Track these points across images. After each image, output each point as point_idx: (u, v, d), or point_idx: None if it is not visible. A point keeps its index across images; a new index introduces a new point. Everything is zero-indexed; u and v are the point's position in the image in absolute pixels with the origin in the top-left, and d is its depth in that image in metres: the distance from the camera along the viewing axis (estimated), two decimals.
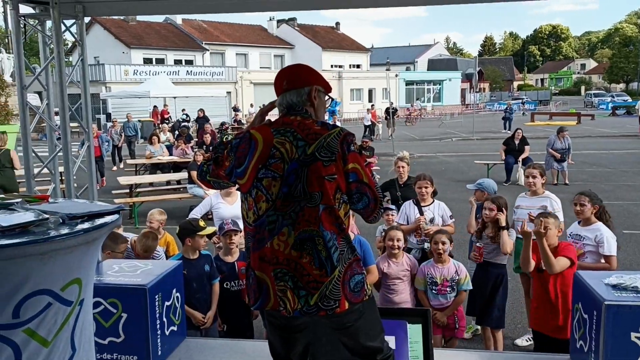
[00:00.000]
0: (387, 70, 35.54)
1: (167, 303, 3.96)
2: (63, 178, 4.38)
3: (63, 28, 4.09)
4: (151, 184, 13.27)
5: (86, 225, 2.23)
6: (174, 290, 4.09)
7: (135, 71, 34.50)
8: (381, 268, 4.53)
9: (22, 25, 4.02)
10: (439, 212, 5.29)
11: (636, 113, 27.67)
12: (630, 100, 44.20)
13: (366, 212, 2.54)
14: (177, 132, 18.57)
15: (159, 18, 44.21)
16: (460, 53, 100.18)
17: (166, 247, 5.44)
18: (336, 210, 2.45)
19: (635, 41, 68.62)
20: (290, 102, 2.58)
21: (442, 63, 61.53)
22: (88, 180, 4.41)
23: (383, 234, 4.89)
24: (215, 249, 5.75)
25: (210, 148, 13.92)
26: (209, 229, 4.67)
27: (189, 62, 40.53)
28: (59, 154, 4.27)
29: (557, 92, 74.95)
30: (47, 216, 2.20)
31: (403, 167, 6.33)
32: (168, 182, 13.44)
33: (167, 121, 26.04)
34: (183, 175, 12.35)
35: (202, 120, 24.08)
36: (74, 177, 4.27)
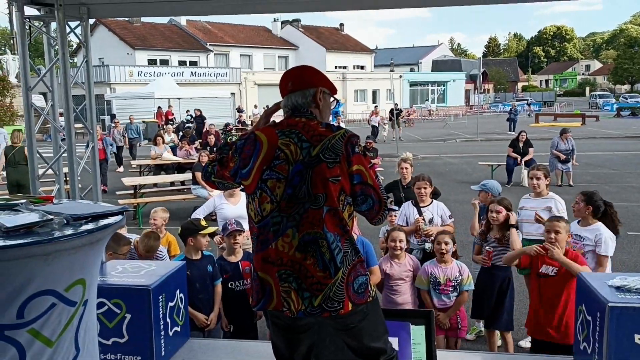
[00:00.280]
0: (391, 71, 35.46)
1: (170, 304, 3.97)
2: (67, 179, 4.40)
3: (68, 29, 4.10)
4: (155, 185, 13.29)
5: (90, 226, 2.24)
6: (178, 291, 4.10)
7: (140, 72, 34.60)
8: (383, 269, 4.53)
9: (27, 27, 4.04)
10: (438, 212, 5.28)
11: None
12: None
13: (370, 214, 2.54)
14: (181, 133, 18.58)
15: (163, 19, 44.29)
16: (465, 54, 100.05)
17: (167, 247, 5.46)
18: (340, 212, 2.45)
19: None
20: (295, 104, 2.58)
21: (446, 64, 61.46)
22: (92, 181, 4.42)
23: (386, 234, 4.90)
24: (219, 249, 5.77)
25: (215, 149, 13.96)
26: (211, 229, 4.68)
27: (193, 63, 40.62)
28: (63, 155, 4.28)
29: (561, 93, 74.76)
30: (51, 217, 2.22)
31: (406, 168, 6.33)
32: (172, 183, 13.48)
33: (171, 122, 26.12)
34: (187, 176, 12.38)
35: (199, 119, 24.10)
36: (79, 178, 4.29)
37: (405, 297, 4.50)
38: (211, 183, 2.78)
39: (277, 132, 2.50)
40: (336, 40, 52.20)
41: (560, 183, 13.20)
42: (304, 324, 2.56)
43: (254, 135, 2.55)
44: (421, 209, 5.24)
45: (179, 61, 39.98)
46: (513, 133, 17.26)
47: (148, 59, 38.26)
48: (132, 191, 11.46)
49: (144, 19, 40.40)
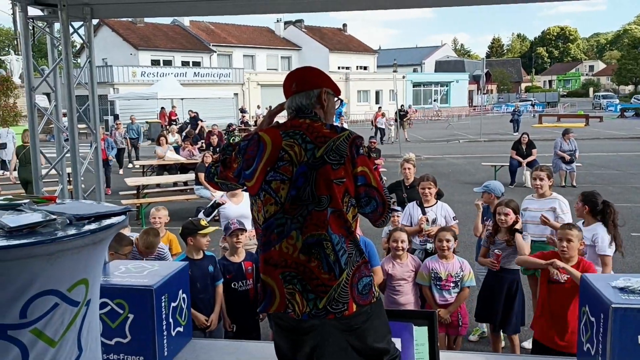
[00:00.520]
0: (394, 71, 35.44)
1: (173, 304, 3.97)
2: (71, 179, 4.41)
3: (71, 30, 4.11)
4: (158, 185, 13.31)
5: (93, 226, 2.24)
6: (180, 291, 4.10)
7: (143, 73, 34.66)
8: (386, 269, 4.53)
9: (30, 28, 4.05)
10: (442, 213, 5.28)
11: None
12: None
13: (374, 216, 2.52)
14: (184, 134, 18.59)
15: (166, 20, 44.40)
16: (468, 54, 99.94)
17: (169, 246, 5.46)
18: (344, 214, 2.44)
19: None
20: (299, 105, 2.57)
21: (449, 64, 61.40)
22: (95, 182, 4.43)
23: (388, 235, 4.90)
24: (222, 250, 5.78)
25: (218, 149, 13.98)
26: (210, 228, 4.69)
27: (197, 64, 40.68)
28: (66, 155, 4.29)
29: (565, 93, 74.59)
30: (54, 217, 2.22)
31: (409, 168, 6.33)
32: (175, 184, 13.49)
33: (174, 122, 26.13)
34: (190, 176, 12.39)
35: (193, 120, 24.02)
36: (82, 179, 4.29)
37: (407, 298, 4.50)
38: (214, 184, 2.78)
39: (281, 133, 2.49)
40: (339, 41, 52.20)
41: (563, 184, 13.17)
42: (308, 325, 2.54)
43: (258, 136, 2.53)
44: (425, 209, 5.24)
45: (182, 61, 40.05)
46: (517, 134, 17.24)
47: (151, 60, 38.33)
48: (135, 191, 11.48)
49: (147, 20, 40.49)
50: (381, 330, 2.65)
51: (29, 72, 4.10)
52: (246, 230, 4.92)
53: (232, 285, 4.67)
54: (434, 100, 50.05)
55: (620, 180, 14.31)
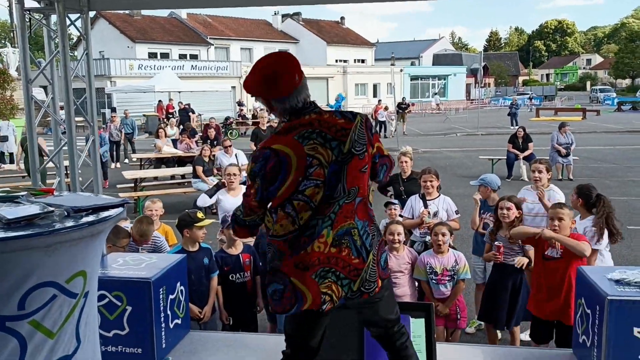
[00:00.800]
0: (392, 65, 35.34)
1: (171, 296, 3.98)
2: (68, 172, 4.41)
3: (68, 22, 4.09)
4: (156, 178, 13.30)
5: (91, 218, 2.25)
6: (178, 284, 4.12)
7: (140, 65, 34.53)
8: None
9: (27, 20, 4.03)
10: (443, 206, 5.30)
11: None
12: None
13: (386, 176, 2.75)
14: (181, 127, 18.55)
15: (163, 12, 44.14)
16: (466, 48, 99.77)
17: (165, 237, 5.46)
18: (368, 199, 2.58)
19: None
20: (306, 97, 2.53)
21: (447, 58, 61.31)
22: (93, 174, 4.43)
23: (385, 227, 4.91)
24: (219, 242, 5.79)
25: (215, 143, 13.96)
26: (207, 221, 4.69)
27: (194, 57, 40.55)
28: (63, 147, 4.29)
29: (562, 87, 74.59)
30: (52, 209, 2.22)
31: (406, 162, 6.34)
32: (172, 177, 13.48)
33: (171, 115, 26.08)
34: (187, 169, 12.38)
35: (183, 112, 23.75)
36: (79, 171, 4.29)
37: (404, 290, 4.51)
38: (245, 228, 2.70)
39: (296, 138, 2.41)
40: (337, 34, 52.07)
41: (560, 177, 13.20)
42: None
43: (273, 151, 2.42)
44: (427, 202, 5.26)
45: (179, 54, 39.91)
46: (514, 127, 17.27)
47: (148, 52, 38.18)
48: (132, 184, 11.47)
49: (144, 12, 40.35)
50: (392, 301, 2.81)
51: (26, 64, 4.09)
52: None
53: (230, 278, 4.69)
54: (435, 94, 49.97)
55: (617, 174, 14.35)
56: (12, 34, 38.06)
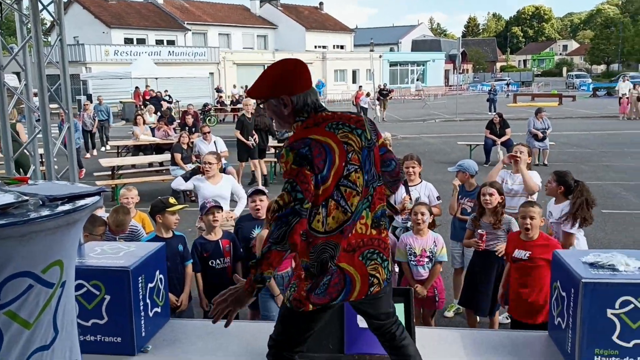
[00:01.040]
0: (371, 51, 35.36)
1: (150, 285, 3.96)
2: (43, 160, 4.33)
3: (40, 7, 4.00)
4: (133, 166, 13.17)
5: (67, 206, 2.21)
6: (157, 272, 4.09)
7: (116, 51, 34.00)
8: None
9: None
10: (425, 192, 5.33)
11: (616, 94, 27.97)
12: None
13: (393, 172, 2.84)
14: (159, 114, 18.33)
15: None
16: (444, 34, 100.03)
17: (142, 224, 5.43)
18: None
19: (617, 22, 68.95)
20: (314, 100, 2.60)
21: (425, 44, 61.43)
22: (68, 162, 4.36)
23: None
24: (198, 230, 5.76)
25: (193, 129, 13.84)
26: (179, 206, 4.67)
27: (171, 43, 40.01)
28: (38, 135, 4.21)
29: (539, 73, 75.26)
30: (26, 198, 2.18)
31: None
32: (150, 164, 13.34)
33: (148, 102, 25.73)
34: (165, 157, 12.27)
35: (155, 100, 23.10)
36: (54, 159, 4.22)
37: None
38: (303, 223, 2.41)
39: (327, 129, 2.47)
40: (316, 20, 51.81)
41: (537, 162, 13.38)
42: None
43: (312, 140, 2.41)
44: (409, 188, 5.28)
45: (156, 40, 39.34)
46: (493, 113, 17.42)
47: (124, 38, 37.57)
48: (109, 172, 11.33)
49: None
50: (391, 294, 2.89)
51: None
52: (222, 209, 4.91)
53: (210, 264, 4.67)
54: (417, 80, 50.08)
55: (592, 159, 14.58)
56: None
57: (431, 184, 5.52)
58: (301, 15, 50.94)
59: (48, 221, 2.11)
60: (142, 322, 3.84)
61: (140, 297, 3.81)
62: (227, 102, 30.93)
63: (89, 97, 28.26)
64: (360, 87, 29.75)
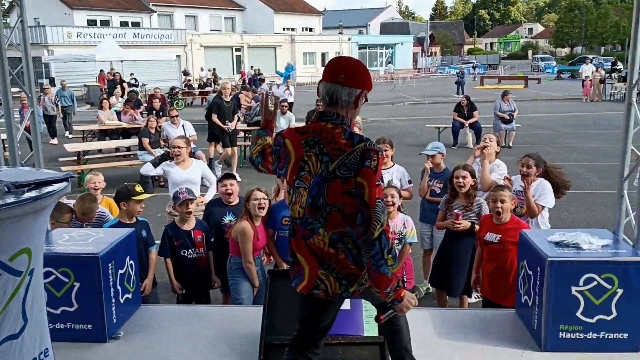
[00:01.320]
0: (340, 33, 35.22)
1: (120, 271, 3.92)
2: (6, 146, 4.21)
3: None
4: (100, 151, 12.92)
5: (33, 193, 2.17)
6: (128, 258, 4.06)
7: (79, 33, 33.09)
8: None
9: None
10: (397, 175, 5.37)
11: (580, 77, 28.52)
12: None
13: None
14: (125, 97, 17.95)
15: None
16: (412, 17, 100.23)
17: (109, 210, 5.35)
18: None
19: (580, 6, 70.03)
20: (338, 97, 2.54)
21: (394, 27, 61.49)
22: (33, 148, 4.26)
23: None
24: (168, 215, 5.71)
25: (160, 113, 13.62)
26: (145, 195, 4.62)
27: (136, 25, 39.11)
28: (0, 120, 4.09)
29: (505, 56, 76.23)
30: None
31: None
32: (117, 149, 13.11)
33: (107, 87, 25.13)
34: (133, 141, 12.06)
35: (112, 83, 22.46)
36: (18, 145, 4.11)
37: None
38: (259, 171, 2.95)
39: (303, 142, 2.58)
40: (284, 2, 51.23)
41: (503, 144, 13.59)
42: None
43: (284, 142, 2.67)
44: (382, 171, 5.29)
45: (120, 22, 38.40)
46: (461, 96, 17.61)
47: (87, 20, 36.57)
48: (75, 158, 11.10)
49: None
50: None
51: None
52: (195, 199, 4.87)
53: (182, 253, 4.64)
54: (389, 63, 50.13)
55: (556, 140, 14.89)
56: None
57: (403, 167, 5.56)
58: None
59: (14, 208, 2.06)
60: (113, 308, 3.81)
61: (111, 283, 3.77)
62: (195, 85, 30.49)
63: (52, 81, 27.50)
64: None
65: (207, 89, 28.09)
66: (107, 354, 3.61)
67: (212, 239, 4.80)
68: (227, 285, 4.68)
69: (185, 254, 4.65)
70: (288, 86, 19.42)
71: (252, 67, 35.42)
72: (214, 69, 34.17)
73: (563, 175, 4.89)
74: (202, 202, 5.46)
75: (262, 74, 31.27)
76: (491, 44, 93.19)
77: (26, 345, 2.28)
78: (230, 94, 11.50)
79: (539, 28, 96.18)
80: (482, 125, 13.84)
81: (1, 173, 2.46)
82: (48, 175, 2.34)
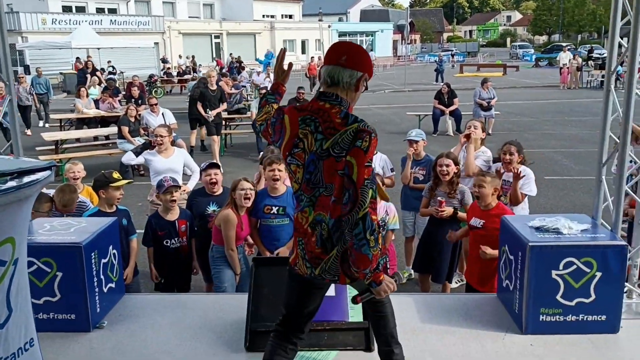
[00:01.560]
0: (320, 20, 35.00)
1: (103, 260, 3.90)
2: None
3: None
4: (78, 140, 12.75)
5: (17, 182, 2.14)
6: (111, 247, 4.03)
7: (54, 20, 32.40)
8: None
9: None
10: (380, 163, 5.39)
11: (557, 64, 28.85)
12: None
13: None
14: (103, 85, 17.70)
15: None
16: (392, 4, 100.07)
17: (90, 199, 5.29)
18: (342, 201, 2.49)
19: None
20: (339, 79, 2.56)
21: (374, 14, 61.34)
22: (12, 136, 4.19)
23: None
24: (150, 204, 5.67)
25: (139, 101, 13.47)
26: (122, 181, 4.58)
27: (112, 11, 38.43)
28: None
29: (484, 43, 76.63)
30: None
31: None
32: (96, 138, 12.94)
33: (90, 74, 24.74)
34: (111, 130, 11.93)
35: (81, 72, 21.75)
36: None
37: None
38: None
39: (300, 119, 2.62)
40: None
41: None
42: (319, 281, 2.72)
43: (282, 117, 2.71)
44: None
45: (96, 8, 37.65)
46: (441, 84, 17.66)
47: (62, 6, 35.76)
48: (53, 147, 10.94)
49: None
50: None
51: None
52: (180, 187, 4.85)
53: (165, 243, 4.62)
54: (371, 50, 50.07)
55: (534, 127, 15.07)
56: None
57: (386, 155, 5.58)
58: None
59: None
60: (97, 298, 3.79)
61: (94, 273, 3.75)
62: (174, 73, 30.16)
63: (27, 69, 26.97)
64: (312, 57, 29.44)
65: (186, 76, 27.80)
66: (92, 344, 3.59)
67: (196, 228, 4.79)
68: (209, 274, 4.68)
69: (168, 244, 4.64)
70: (268, 74, 19.31)
71: (230, 54, 35.10)
72: (193, 57, 33.79)
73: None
74: (185, 190, 5.43)
75: (242, 62, 31.03)
76: (470, 31, 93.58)
77: (11, 335, 2.27)
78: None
79: (517, 16, 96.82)
80: (462, 113, 13.95)
81: None
82: (31, 164, 2.31)
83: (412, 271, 5.51)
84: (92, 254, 3.72)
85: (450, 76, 30.06)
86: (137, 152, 5.87)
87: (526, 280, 3.51)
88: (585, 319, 3.52)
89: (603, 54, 28.61)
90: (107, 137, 12.58)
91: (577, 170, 10.25)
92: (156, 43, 35.38)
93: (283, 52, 2.99)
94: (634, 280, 3.88)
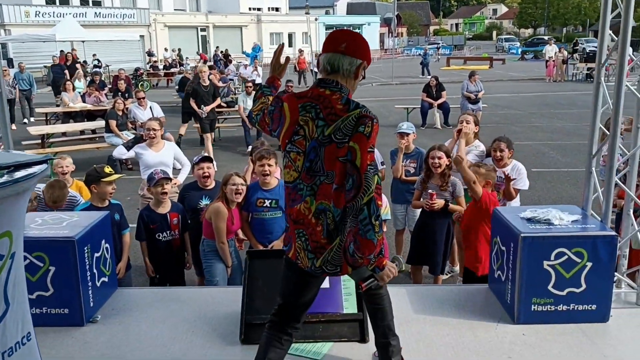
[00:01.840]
0: (307, 13, 34.86)
1: (96, 254, 3.88)
2: None
3: None
4: (64, 134, 12.63)
5: (13, 175, 2.13)
6: (103, 241, 4.02)
7: (38, 12, 31.99)
8: None
9: None
10: None
11: (543, 57, 29.01)
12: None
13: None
14: (89, 79, 17.52)
15: None
16: None
17: (79, 193, 5.26)
18: (344, 190, 2.50)
19: None
20: (339, 66, 2.57)
21: (361, 7, 61.26)
22: (1, 130, 4.15)
23: None
24: (141, 198, 5.65)
25: (126, 95, 13.37)
26: (114, 175, 4.56)
27: (97, 4, 38.01)
28: None
29: (470, 37, 76.86)
30: None
31: None
32: (82, 132, 12.83)
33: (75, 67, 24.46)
34: (99, 124, 11.84)
35: (57, 68, 21.37)
36: None
37: None
38: (255, 127, 3.09)
39: (300, 106, 2.60)
40: None
41: None
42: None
43: (281, 106, 2.68)
44: None
45: (81, 1, 37.25)
46: (428, 77, 17.66)
47: None
48: (39, 141, 10.83)
49: None
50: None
51: None
52: (171, 180, 4.83)
53: (157, 236, 4.61)
54: None
55: (521, 120, 15.18)
56: None
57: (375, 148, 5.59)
58: None
59: None
60: (90, 292, 3.78)
61: (87, 267, 3.73)
62: (160, 66, 29.92)
63: (10, 62, 26.60)
64: (300, 51, 29.28)
65: (172, 70, 27.60)
66: (85, 338, 3.58)
67: (189, 221, 4.78)
68: (202, 268, 4.67)
69: (160, 237, 4.62)
70: (255, 67, 19.24)
71: (217, 47, 34.91)
72: (179, 50, 33.56)
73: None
74: (175, 184, 5.42)
75: (230, 55, 30.85)
76: (456, 24, 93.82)
77: (8, 330, 2.25)
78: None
79: (503, 9, 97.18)
80: (450, 106, 14.02)
81: None
82: (27, 158, 2.29)
83: (404, 263, 5.54)
84: (85, 248, 3.70)
85: (437, 69, 30.14)
86: (129, 146, 5.84)
87: (518, 271, 3.55)
88: (576, 309, 3.57)
89: (589, 47, 28.84)
90: (93, 131, 12.47)
91: (564, 162, 10.35)
92: (142, 36, 35.10)
93: (281, 47, 3.01)
94: (623, 270, 3.95)
